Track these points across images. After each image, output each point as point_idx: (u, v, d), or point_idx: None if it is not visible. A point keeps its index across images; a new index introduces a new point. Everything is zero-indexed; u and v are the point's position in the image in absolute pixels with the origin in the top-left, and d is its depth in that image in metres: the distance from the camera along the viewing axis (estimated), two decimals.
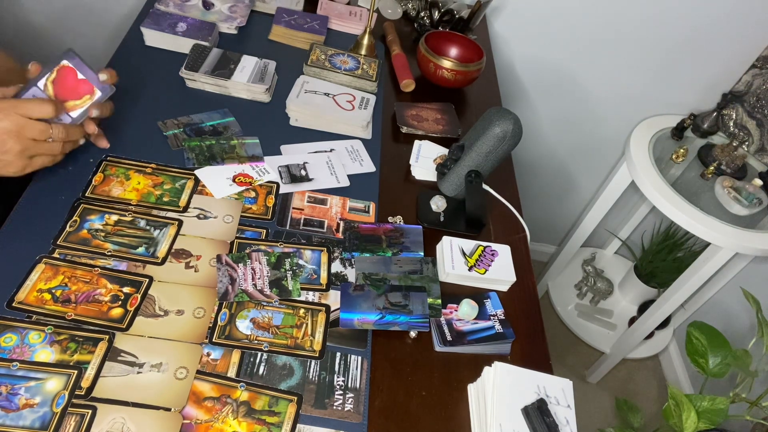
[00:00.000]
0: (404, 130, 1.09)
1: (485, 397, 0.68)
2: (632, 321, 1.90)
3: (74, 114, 0.81)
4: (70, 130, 0.79)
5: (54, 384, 0.62)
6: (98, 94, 0.81)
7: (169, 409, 0.63)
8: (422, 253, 0.86)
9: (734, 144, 1.47)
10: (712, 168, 1.45)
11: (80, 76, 0.80)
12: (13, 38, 1.68)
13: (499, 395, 0.67)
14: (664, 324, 1.96)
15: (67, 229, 0.77)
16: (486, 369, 0.71)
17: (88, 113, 0.81)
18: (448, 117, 1.14)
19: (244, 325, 0.72)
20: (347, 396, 0.68)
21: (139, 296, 0.72)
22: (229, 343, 0.70)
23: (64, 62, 0.79)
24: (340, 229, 0.87)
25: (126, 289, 0.72)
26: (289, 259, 0.81)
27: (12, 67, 0.92)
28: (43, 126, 0.75)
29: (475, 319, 0.79)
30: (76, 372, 0.64)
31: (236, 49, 1.11)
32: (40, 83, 0.79)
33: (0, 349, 0.64)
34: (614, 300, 2.08)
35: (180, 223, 0.82)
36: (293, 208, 0.89)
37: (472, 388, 0.72)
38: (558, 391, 0.70)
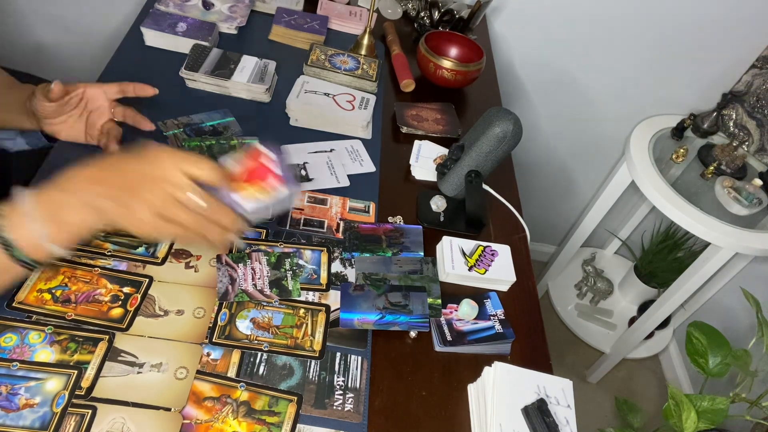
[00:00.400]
0: (404, 130, 1.09)
1: (485, 397, 0.68)
2: (632, 321, 1.90)
3: (242, 201, 0.63)
4: (224, 212, 0.62)
5: (54, 384, 0.62)
6: (280, 190, 0.64)
7: (169, 409, 0.63)
8: (422, 253, 0.86)
9: (734, 144, 1.47)
10: (712, 168, 1.45)
11: (266, 163, 0.65)
12: (10, 42, 1.68)
13: (499, 395, 0.67)
14: (664, 324, 1.96)
15: None
16: (486, 369, 0.71)
17: (263, 210, 0.65)
18: (448, 117, 1.14)
19: (244, 325, 0.72)
20: (347, 396, 0.68)
21: (139, 296, 0.72)
22: (229, 343, 0.70)
23: (255, 143, 0.67)
24: (340, 229, 0.87)
25: (126, 289, 0.72)
26: (289, 259, 0.81)
27: (6, 81, 0.88)
28: (187, 186, 0.59)
29: (475, 319, 0.79)
30: (76, 372, 0.64)
31: (236, 49, 1.11)
32: (224, 161, 0.66)
33: (0, 349, 0.64)
34: (614, 300, 2.08)
35: None
36: (293, 208, 0.89)
37: (472, 388, 0.72)
38: (558, 391, 0.69)
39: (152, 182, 0.59)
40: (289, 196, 0.65)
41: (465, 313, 0.79)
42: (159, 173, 0.59)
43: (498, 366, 0.70)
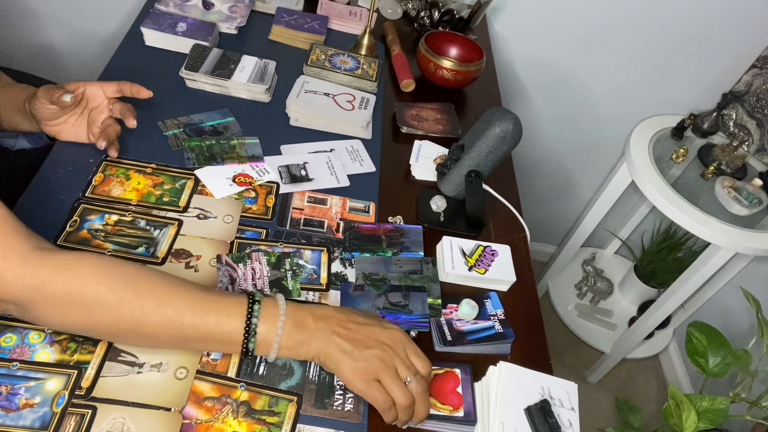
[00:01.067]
0: (404, 130, 1.09)
1: (488, 396, 0.68)
2: (632, 321, 1.90)
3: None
4: (424, 401, 0.65)
5: (54, 384, 0.62)
6: (457, 414, 0.69)
7: (169, 409, 0.63)
8: (422, 253, 0.86)
9: (734, 144, 1.47)
10: (712, 168, 1.45)
11: (459, 390, 0.71)
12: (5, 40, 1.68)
13: (503, 395, 0.67)
14: (664, 324, 1.96)
15: (67, 229, 0.77)
16: (491, 368, 0.71)
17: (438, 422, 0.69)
18: (448, 117, 1.14)
19: None
20: (347, 396, 0.68)
21: None
22: None
23: (456, 371, 0.73)
24: (340, 229, 0.87)
25: None
26: (289, 259, 0.81)
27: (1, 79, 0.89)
28: (410, 368, 0.65)
29: (475, 319, 0.79)
30: (76, 372, 0.64)
31: (236, 49, 1.11)
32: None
33: (0, 349, 0.64)
34: (614, 300, 2.08)
35: (180, 223, 0.82)
36: (293, 208, 0.89)
37: (476, 387, 0.72)
38: (562, 394, 0.69)
39: (383, 348, 0.64)
40: (461, 421, 0.69)
41: (465, 313, 0.79)
42: (388, 341, 0.65)
43: (503, 366, 0.70)
